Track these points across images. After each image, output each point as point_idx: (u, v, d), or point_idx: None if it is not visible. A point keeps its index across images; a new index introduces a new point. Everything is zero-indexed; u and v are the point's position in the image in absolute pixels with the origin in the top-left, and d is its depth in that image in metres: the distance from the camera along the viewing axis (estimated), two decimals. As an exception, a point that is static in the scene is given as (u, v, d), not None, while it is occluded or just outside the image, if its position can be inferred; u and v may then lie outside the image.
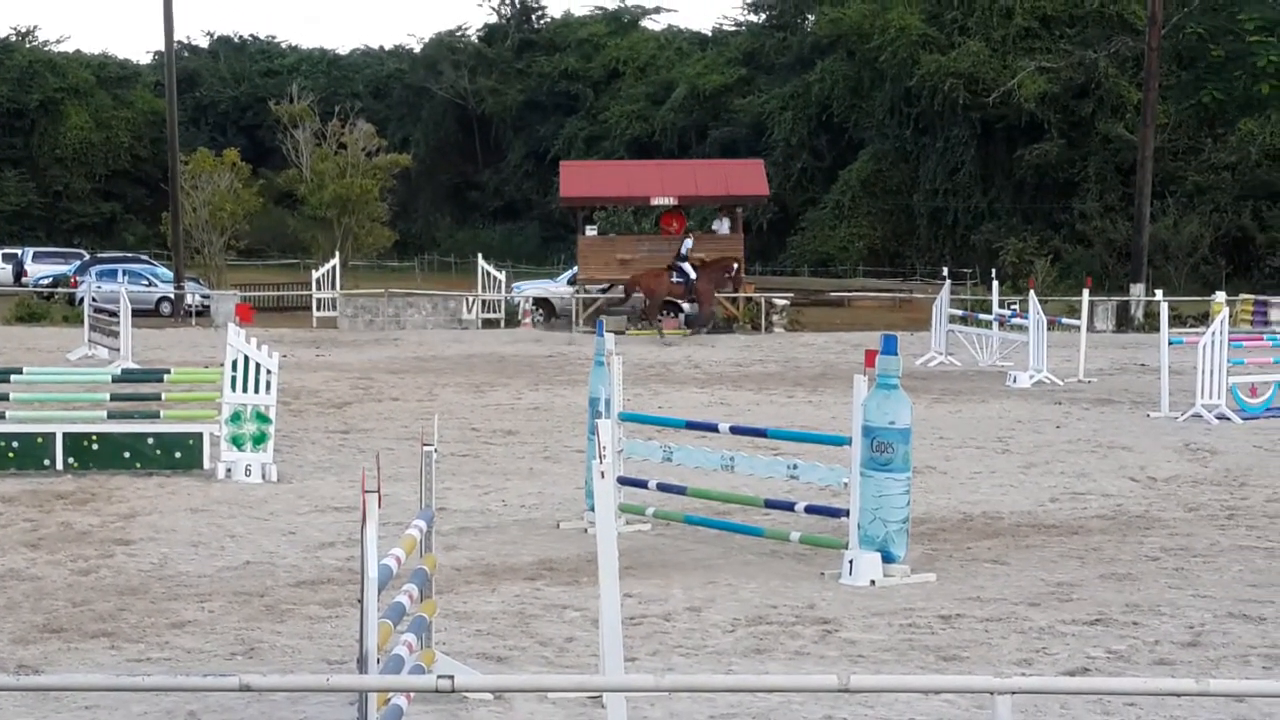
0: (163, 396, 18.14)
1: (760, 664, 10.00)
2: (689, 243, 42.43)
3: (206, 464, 17.25)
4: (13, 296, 50.14)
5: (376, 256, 65.65)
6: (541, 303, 46.55)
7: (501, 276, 47.61)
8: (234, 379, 17.24)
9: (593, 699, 8.90)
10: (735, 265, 42.18)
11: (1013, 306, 36.63)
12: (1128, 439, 20.62)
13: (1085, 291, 32.72)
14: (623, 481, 14.04)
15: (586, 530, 13.83)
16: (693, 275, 40.90)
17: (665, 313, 44.39)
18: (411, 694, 8.09)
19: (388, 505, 12.19)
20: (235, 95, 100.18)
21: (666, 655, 10.15)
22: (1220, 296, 30.23)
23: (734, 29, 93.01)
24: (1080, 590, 11.98)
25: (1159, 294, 37.11)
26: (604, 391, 13.80)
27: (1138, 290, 46.02)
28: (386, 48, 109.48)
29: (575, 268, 46.29)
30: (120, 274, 51.43)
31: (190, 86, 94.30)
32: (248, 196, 56.77)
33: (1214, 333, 23.00)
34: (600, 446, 8.45)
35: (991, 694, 6.14)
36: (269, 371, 17.33)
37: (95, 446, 17.24)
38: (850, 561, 12.29)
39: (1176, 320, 36.90)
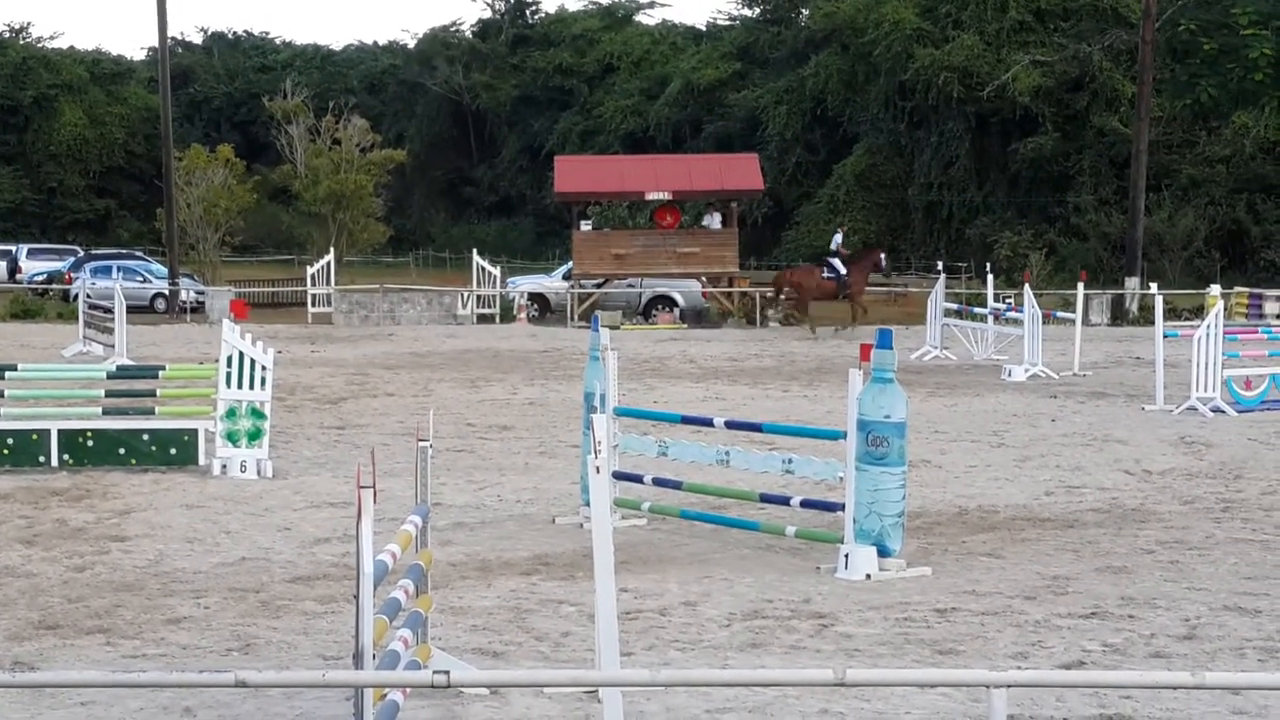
0: (158, 393, 18.14)
1: (756, 658, 10.00)
2: (839, 237, 42.11)
3: (202, 460, 17.24)
4: (7, 293, 50.08)
5: (371, 252, 65.61)
6: (536, 298, 46.55)
7: (496, 272, 47.59)
8: (229, 375, 17.23)
9: (589, 694, 8.90)
10: (883, 256, 41.94)
11: (1008, 300, 36.66)
12: (1123, 432, 20.64)
13: (1080, 285, 32.74)
14: (618, 476, 14.04)
15: (582, 525, 13.84)
16: (843, 270, 40.51)
17: (659, 307, 44.44)
18: (407, 689, 8.09)
19: (383, 501, 12.19)
20: (229, 91, 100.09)
21: (662, 650, 10.15)
22: (1215, 290, 30.21)
23: (728, 23, 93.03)
24: (1076, 583, 11.99)
25: (1154, 287, 37.05)
26: (599, 386, 13.79)
27: (1132, 284, 46.03)
28: (380, 43, 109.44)
29: (570, 263, 46.30)
30: (115, 270, 51.34)
31: (184, 83, 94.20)
32: (242, 193, 56.72)
33: (1209, 326, 23.01)
34: (596, 441, 8.44)
35: (987, 687, 6.15)
36: (264, 367, 17.31)
37: (90, 443, 17.23)
38: (846, 555, 12.29)
39: (1171, 313, 37.01)
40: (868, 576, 12.14)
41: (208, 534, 13.99)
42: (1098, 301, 43.76)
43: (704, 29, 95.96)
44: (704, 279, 44.98)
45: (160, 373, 18.70)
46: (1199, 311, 37.71)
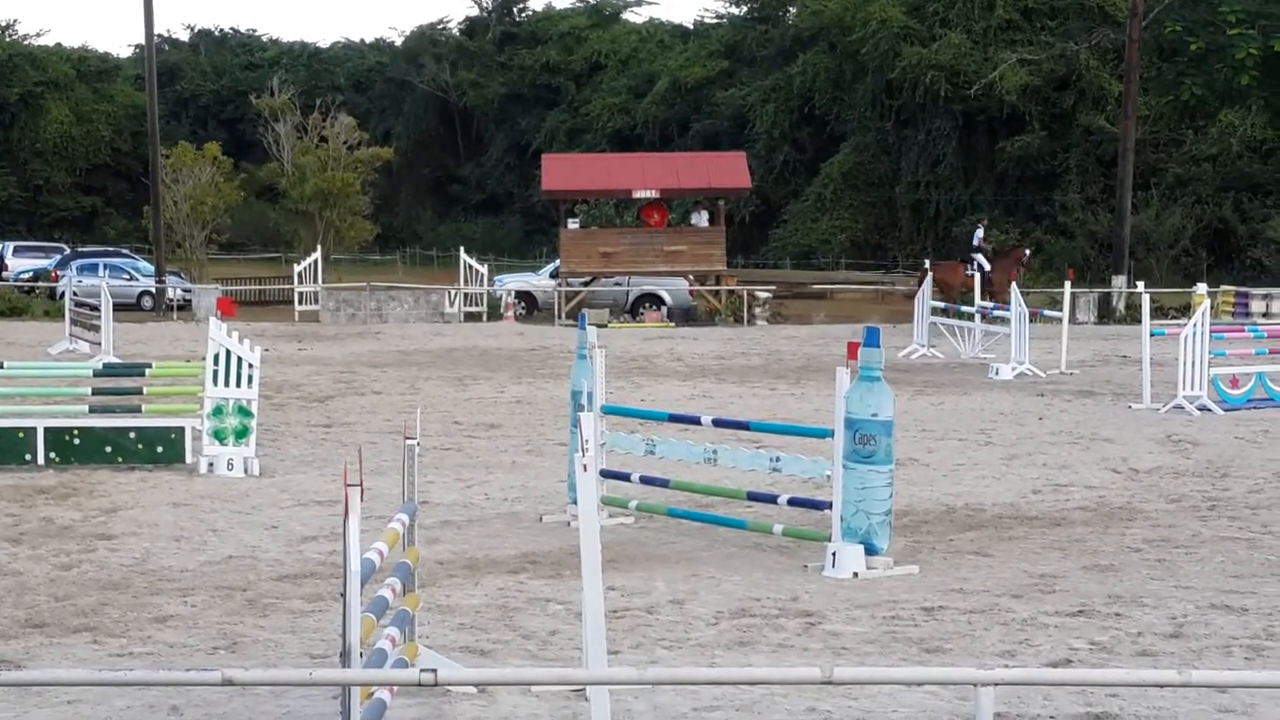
0: (144, 391, 18.10)
1: (743, 656, 10.00)
2: (980, 232, 41.97)
3: (188, 458, 17.22)
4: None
5: (358, 250, 65.55)
6: (524, 296, 46.54)
7: (484, 270, 47.58)
8: (216, 373, 17.21)
9: (576, 692, 8.89)
10: (1027, 253, 41.88)
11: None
12: (1110, 431, 20.67)
13: (1067, 283, 32.77)
14: (605, 474, 14.03)
15: (569, 523, 13.83)
16: (987, 266, 40.28)
17: (647, 305, 44.44)
18: (395, 688, 8.08)
19: (370, 499, 12.17)
20: (216, 89, 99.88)
21: (650, 648, 10.15)
22: (1201, 288, 30.27)
23: (715, 21, 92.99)
24: (1063, 582, 12.00)
25: (1140, 286, 37.10)
26: (586, 385, 13.79)
27: (1119, 282, 46.10)
28: (368, 41, 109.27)
29: (557, 261, 46.28)
30: (101, 268, 51.35)
31: (171, 80, 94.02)
32: (229, 190, 56.65)
33: (1195, 324, 23.05)
34: (583, 440, 8.44)
35: (974, 685, 6.15)
36: (251, 365, 17.29)
37: (77, 441, 17.20)
38: (833, 554, 12.30)
39: (1158, 312, 37.04)
40: (855, 575, 12.14)
41: (194, 532, 13.98)
42: (1085, 300, 43.80)
43: (691, 27, 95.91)
44: (691, 277, 44.99)
45: (147, 370, 18.66)
46: (1186, 310, 37.78)
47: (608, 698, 7.83)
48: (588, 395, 13.67)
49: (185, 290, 48.85)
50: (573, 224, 45.55)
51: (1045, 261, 57.59)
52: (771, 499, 13.50)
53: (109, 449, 17.21)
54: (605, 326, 38.60)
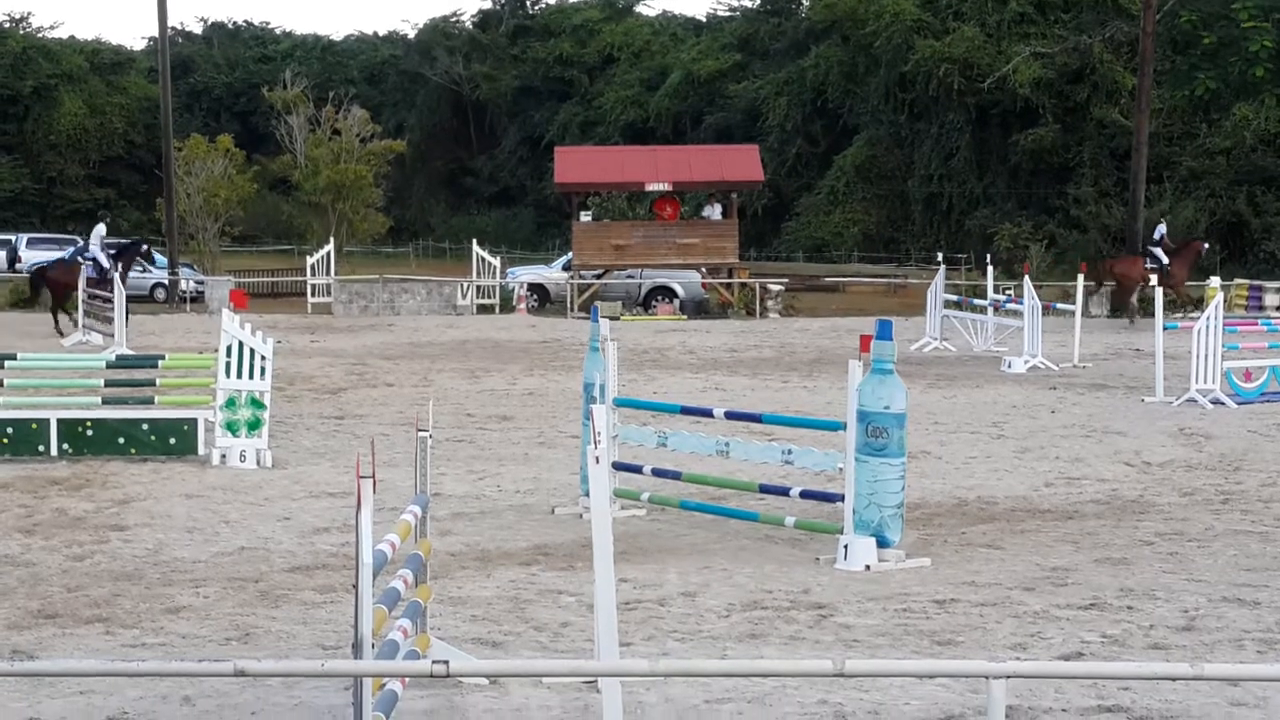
0: (157, 382, 18.12)
1: (755, 649, 10.00)
2: (1163, 227, 41.84)
3: (201, 450, 17.24)
4: (7, 283, 50.05)
5: (371, 242, 65.58)
6: (536, 288, 46.53)
7: (496, 262, 47.56)
8: (229, 365, 17.22)
9: (588, 684, 8.89)
10: (1205, 246, 41.94)
11: (1007, 291, 36.66)
12: (1122, 424, 20.64)
13: (1080, 277, 32.72)
14: (618, 467, 14.04)
15: (581, 515, 13.84)
16: (1165, 260, 40.26)
17: (659, 298, 44.44)
18: (406, 679, 8.09)
19: (382, 490, 12.20)
20: (229, 81, 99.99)
21: (661, 640, 10.15)
22: (1215, 282, 30.20)
23: (728, 14, 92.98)
24: (1075, 575, 11.99)
25: (1153, 279, 37.04)
26: (599, 377, 13.79)
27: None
28: (380, 33, 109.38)
29: (570, 254, 46.28)
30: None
31: (184, 73, 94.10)
32: (242, 182, 56.68)
33: (1209, 318, 23.01)
34: (595, 432, 8.44)
35: (986, 678, 6.15)
36: (264, 357, 17.31)
37: (90, 432, 17.23)
38: (845, 546, 12.29)
39: (1171, 305, 36.93)
40: (867, 567, 12.14)
41: (207, 523, 13.99)
42: (1097, 293, 43.72)
43: (704, 20, 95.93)
44: (704, 270, 44.97)
45: (160, 362, 18.68)
46: (1199, 303, 37.70)
47: (619, 689, 7.83)
48: (600, 387, 13.67)
49: (198, 282, 48.89)
50: (585, 217, 45.54)
51: (1058, 255, 57.50)
52: (783, 491, 13.49)
53: (122, 440, 17.24)
54: (617, 319, 38.63)
